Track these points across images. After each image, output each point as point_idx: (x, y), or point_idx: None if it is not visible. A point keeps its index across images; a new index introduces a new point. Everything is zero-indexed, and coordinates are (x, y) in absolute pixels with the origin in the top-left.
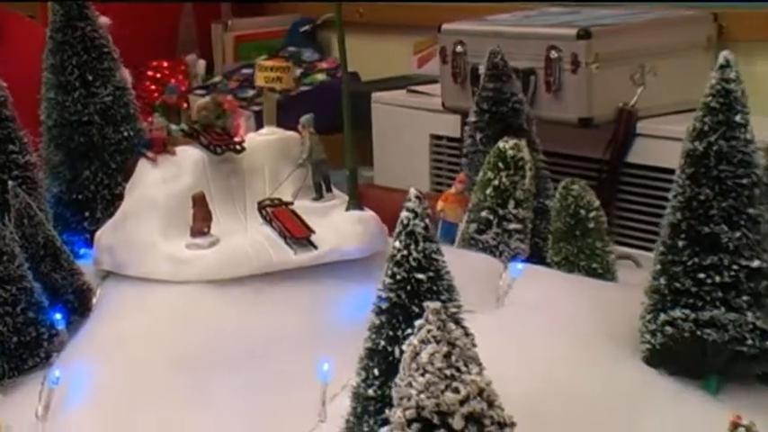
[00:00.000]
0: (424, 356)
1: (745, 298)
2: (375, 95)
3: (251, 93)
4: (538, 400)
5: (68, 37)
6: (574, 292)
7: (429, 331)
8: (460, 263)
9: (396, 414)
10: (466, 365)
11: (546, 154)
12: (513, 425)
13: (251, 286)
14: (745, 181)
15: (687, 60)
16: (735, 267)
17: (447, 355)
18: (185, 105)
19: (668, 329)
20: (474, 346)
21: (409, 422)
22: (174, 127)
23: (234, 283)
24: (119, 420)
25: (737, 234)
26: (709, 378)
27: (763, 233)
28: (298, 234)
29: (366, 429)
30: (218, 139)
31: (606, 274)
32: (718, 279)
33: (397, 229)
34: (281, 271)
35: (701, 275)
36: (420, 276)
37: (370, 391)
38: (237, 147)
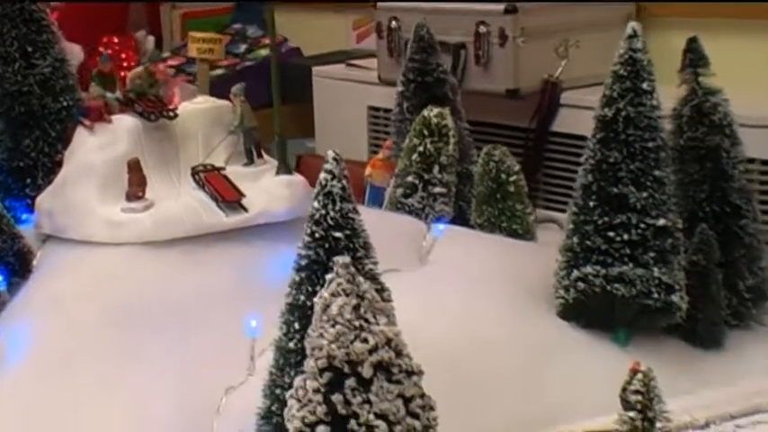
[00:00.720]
0: (334, 309)
1: (651, 255)
2: (316, 69)
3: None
4: (457, 352)
5: (7, 10)
6: (493, 251)
7: (339, 285)
8: (386, 224)
9: (309, 364)
10: (374, 317)
11: (476, 123)
12: (420, 373)
13: (184, 247)
14: (651, 145)
15: (608, 35)
16: (642, 226)
17: (356, 307)
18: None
19: (580, 285)
20: (390, 300)
21: (321, 371)
22: (109, 95)
23: (167, 244)
24: (57, 376)
25: (644, 195)
26: (619, 330)
27: (669, 194)
28: (229, 197)
29: (288, 380)
30: (151, 106)
31: (526, 234)
32: (626, 237)
33: (316, 190)
34: (212, 233)
35: (611, 234)
36: (337, 234)
37: (291, 344)
38: (170, 113)
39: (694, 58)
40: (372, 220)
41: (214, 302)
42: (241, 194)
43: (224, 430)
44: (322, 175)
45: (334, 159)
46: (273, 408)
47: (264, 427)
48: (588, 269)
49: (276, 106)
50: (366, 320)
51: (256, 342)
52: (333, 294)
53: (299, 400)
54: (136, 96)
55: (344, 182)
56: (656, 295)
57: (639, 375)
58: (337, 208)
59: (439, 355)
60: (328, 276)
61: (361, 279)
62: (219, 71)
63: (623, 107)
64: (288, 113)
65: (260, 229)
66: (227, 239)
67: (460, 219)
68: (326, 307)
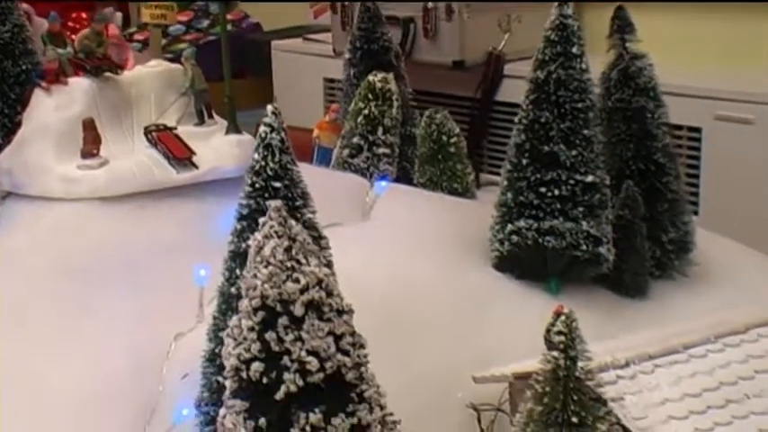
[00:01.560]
0: (266, 250)
1: (580, 209)
2: (275, 43)
3: (164, 41)
4: (396, 303)
5: None
6: (433, 207)
7: (271, 227)
8: (332, 182)
9: (243, 303)
10: (306, 258)
11: (425, 93)
12: (350, 312)
13: (137, 203)
14: (580, 105)
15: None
16: (572, 182)
17: (288, 249)
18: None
19: (514, 238)
20: (327, 248)
21: (255, 310)
22: (60, 51)
23: (121, 199)
24: (12, 327)
25: (574, 152)
26: (550, 280)
27: (597, 152)
28: (180, 155)
29: (229, 323)
30: (98, 62)
31: (466, 193)
32: (557, 192)
33: (256, 142)
34: (164, 189)
35: (543, 189)
36: (276, 185)
37: (233, 290)
38: (116, 69)
39: (621, 25)
40: (319, 178)
41: (165, 254)
42: (192, 152)
43: (173, 374)
44: (261, 128)
45: (273, 113)
46: (217, 350)
47: (209, 368)
48: (521, 223)
49: (226, 71)
50: (298, 261)
51: (205, 291)
52: (266, 237)
53: (234, 339)
54: (85, 56)
55: (283, 134)
56: (584, 247)
57: (562, 317)
58: (276, 159)
59: (379, 303)
60: (261, 220)
61: (293, 222)
62: (183, 45)
63: (554, 70)
64: (248, 85)
65: (210, 185)
66: (179, 195)
67: (404, 178)
68: (260, 249)
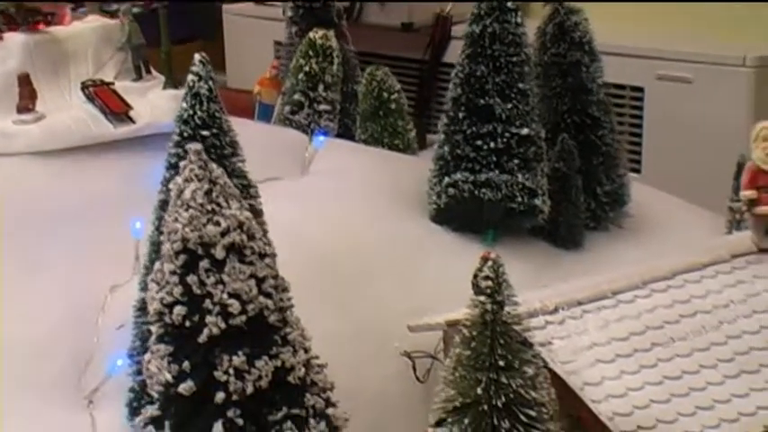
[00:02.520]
0: (187, 193)
1: (516, 162)
2: (225, 7)
3: (114, 6)
4: (334, 255)
5: None
6: (374, 163)
7: (191, 170)
8: (271, 138)
9: (165, 247)
10: (226, 201)
11: (374, 56)
12: (273, 255)
13: (74, 157)
14: (515, 59)
15: None
16: (507, 135)
17: (208, 192)
18: None
19: (451, 190)
20: (257, 196)
21: (176, 254)
22: None
23: (58, 154)
24: None
25: (509, 106)
26: (487, 232)
27: (532, 105)
28: (117, 110)
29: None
30: (28, 14)
31: (407, 150)
32: (492, 145)
33: (184, 91)
34: (101, 143)
35: (479, 142)
36: (205, 133)
37: (162, 237)
38: (45, 18)
39: None
40: (259, 134)
41: (102, 208)
42: (129, 107)
43: (108, 326)
44: (189, 77)
45: (201, 62)
46: (146, 298)
47: (140, 317)
48: (458, 176)
49: (163, 29)
50: (218, 204)
51: (141, 243)
52: (186, 180)
53: (157, 283)
54: (15, 10)
55: (211, 83)
56: (520, 199)
57: (490, 263)
58: (204, 108)
59: (317, 255)
60: (182, 163)
61: (213, 165)
62: (136, 10)
63: (489, 24)
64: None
65: (147, 139)
66: (116, 150)
67: (346, 135)
68: (180, 192)
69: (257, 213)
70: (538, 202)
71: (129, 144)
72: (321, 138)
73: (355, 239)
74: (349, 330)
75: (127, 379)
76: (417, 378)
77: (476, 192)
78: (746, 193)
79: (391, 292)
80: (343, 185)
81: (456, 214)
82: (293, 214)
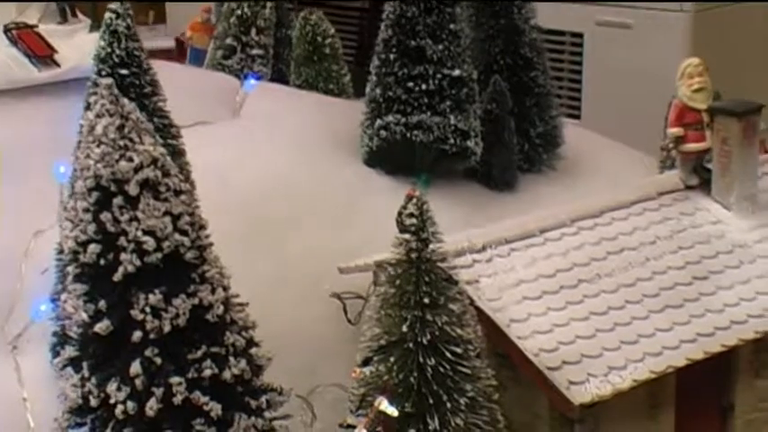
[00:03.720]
0: (98, 129)
1: (448, 103)
2: None
3: None
4: (265, 198)
5: None
6: (305, 106)
7: (102, 105)
8: (202, 82)
9: (78, 185)
10: (139, 137)
11: (315, 4)
12: (188, 192)
13: None
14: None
15: None
16: (439, 76)
17: (120, 128)
18: None
19: (383, 133)
20: (179, 136)
21: (89, 191)
22: None
23: None
24: None
25: (441, 47)
26: (420, 174)
27: (463, 46)
28: (41, 53)
29: None
30: None
31: (342, 94)
32: (424, 87)
33: (102, 30)
34: (26, 87)
35: (410, 84)
36: (123, 71)
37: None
38: None
39: None
40: (189, 78)
41: (28, 153)
42: (53, 50)
43: (32, 272)
44: (107, 15)
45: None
46: (61, 238)
47: (61, 261)
48: (390, 118)
49: None
50: (131, 140)
51: (65, 187)
52: (97, 115)
53: (71, 221)
54: None
55: (129, 21)
56: (452, 141)
57: (414, 200)
58: (123, 46)
59: (249, 198)
60: (92, 99)
61: (125, 101)
62: None
63: None
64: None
65: (73, 83)
66: (41, 93)
67: (281, 80)
68: (92, 128)
69: (179, 153)
70: (470, 143)
71: (54, 88)
72: (252, 81)
73: (286, 183)
74: (280, 274)
75: (50, 323)
76: (348, 320)
77: (408, 134)
78: (673, 131)
79: (323, 235)
80: (275, 129)
81: (388, 157)
82: (223, 158)
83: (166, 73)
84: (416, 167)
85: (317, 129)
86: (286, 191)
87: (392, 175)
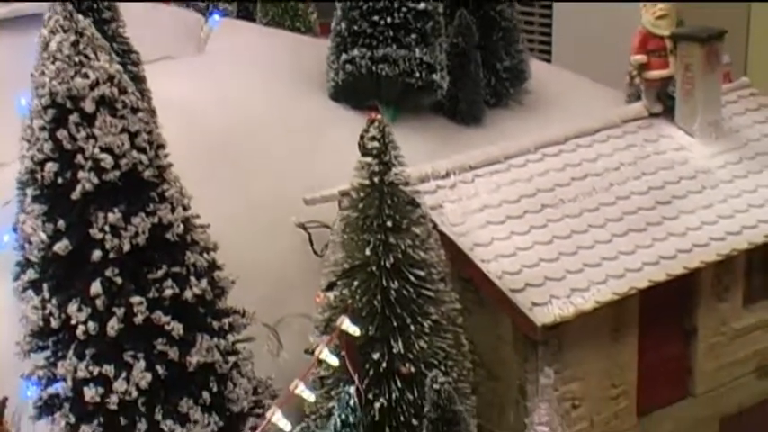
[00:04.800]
0: (53, 45)
1: (413, 37)
2: None
3: None
4: (231, 133)
5: None
6: (271, 42)
7: (56, 21)
8: (167, 17)
9: (33, 103)
10: (95, 53)
11: None
12: (146, 111)
13: None
14: None
15: None
16: (404, 10)
17: (75, 44)
18: None
19: (348, 67)
20: (139, 63)
21: (45, 109)
22: None
23: None
24: None
25: None
26: (386, 108)
27: None
28: None
29: None
30: None
31: (308, 32)
32: (389, 20)
33: None
34: None
35: (375, 18)
36: None
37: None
38: None
39: None
40: (155, 13)
41: None
42: None
43: None
44: None
45: None
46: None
47: (22, 189)
48: (355, 52)
49: None
50: (86, 56)
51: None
52: (51, 32)
53: (28, 141)
54: None
55: None
56: (418, 74)
57: (376, 124)
58: None
59: (215, 133)
60: (46, 15)
61: (80, 17)
62: None
63: None
64: None
65: (34, 19)
66: (1, 28)
67: (247, 18)
68: (46, 45)
69: (140, 80)
70: (436, 77)
71: (14, 23)
72: (217, 17)
73: (252, 118)
74: (246, 207)
75: (13, 253)
76: (314, 251)
77: (373, 68)
78: (636, 58)
79: (289, 169)
80: (240, 65)
81: (354, 91)
82: (188, 93)
83: (130, 8)
84: (382, 101)
85: (283, 65)
86: (251, 125)
87: (358, 110)
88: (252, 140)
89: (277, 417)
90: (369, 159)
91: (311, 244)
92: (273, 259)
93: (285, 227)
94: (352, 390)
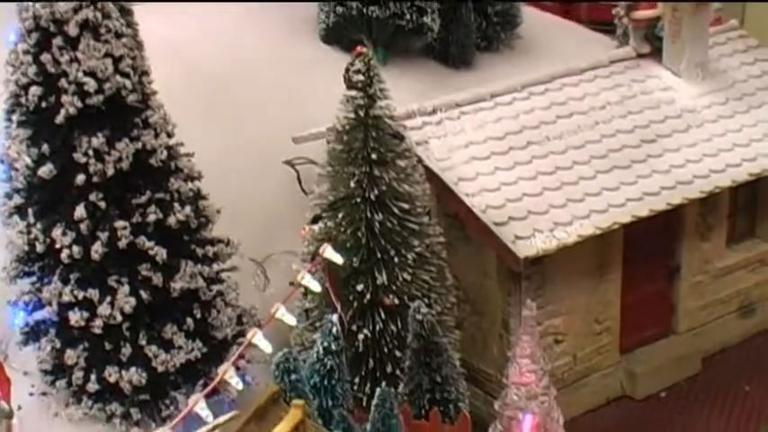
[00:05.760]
0: None
1: None
2: None
3: None
4: (221, 74)
5: None
6: None
7: None
8: None
9: (18, 27)
10: None
11: None
12: (132, 37)
13: None
14: None
15: None
16: None
17: None
18: None
19: (339, 9)
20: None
21: (29, 32)
22: None
23: None
24: None
25: None
26: (377, 51)
27: None
28: None
29: None
30: None
31: None
32: None
33: None
34: None
35: None
36: None
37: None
38: None
39: None
40: None
41: None
42: None
43: None
44: None
45: None
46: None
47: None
48: None
49: None
50: None
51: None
52: None
53: (12, 65)
54: None
55: None
56: (408, 17)
57: (361, 57)
58: None
59: (204, 73)
60: None
61: None
62: None
63: None
64: None
65: None
66: None
67: None
68: None
69: (126, 12)
70: (427, 20)
71: None
72: None
73: (243, 59)
74: (236, 146)
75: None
76: (302, 189)
77: (364, 10)
78: None
79: (279, 109)
80: (231, 7)
81: (345, 33)
82: (179, 36)
83: None
84: (373, 44)
85: (275, 8)
86: (241, 67)
87: (349, 52)
88: (242, 82)
89: (258, 338)
90: (354, 92)
91: (299, 182)
92: (263, 198)
93: (275, 166)
94: (334, 318)
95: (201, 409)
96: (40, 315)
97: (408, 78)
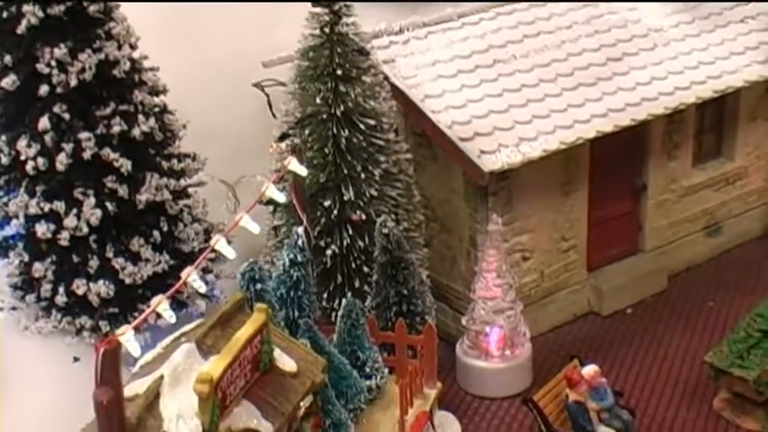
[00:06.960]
0: None
1: None
2: None
3: None
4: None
5: None
6: None
7: None
8: None
9: None
10: None
11: None
12: None
13: None
14: None
15: None
16: None
17: None
18: None
19: None
20: None
21: None
22: None
23: None
24: None
25: None
26: None
27: None
28: None
29: None
30: None
31: None
32: None
33: None
34: None
35: None
36: None
37: None
38: None
39: None
40: None
41: None
42: None
43: None
44: None
45: None
46: None
47: None
48: None
49: None
50: None
51: None
52: None
53: None
54: None
55: None
56: None
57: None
58: None
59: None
60: None
61: None
62: None
63: None
64: None
65: None
66: None
67: None
68: None
69: None
70: None
71: None
72: None
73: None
74: (207, 72)
75: None
76: (273, 113)
77: None
78: None
79: (249, 35)
80: None
81: None
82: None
83: None
84: None
85: None
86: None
87: None
88: (210, 7)
89: (221, 244)
90: (319, 9)
91: (270, 107)
92: (233, 123)
93: (245, 91)
94: (300, 230)
95: (164, 309)
96: (8, 231)
97: (381, 8)
